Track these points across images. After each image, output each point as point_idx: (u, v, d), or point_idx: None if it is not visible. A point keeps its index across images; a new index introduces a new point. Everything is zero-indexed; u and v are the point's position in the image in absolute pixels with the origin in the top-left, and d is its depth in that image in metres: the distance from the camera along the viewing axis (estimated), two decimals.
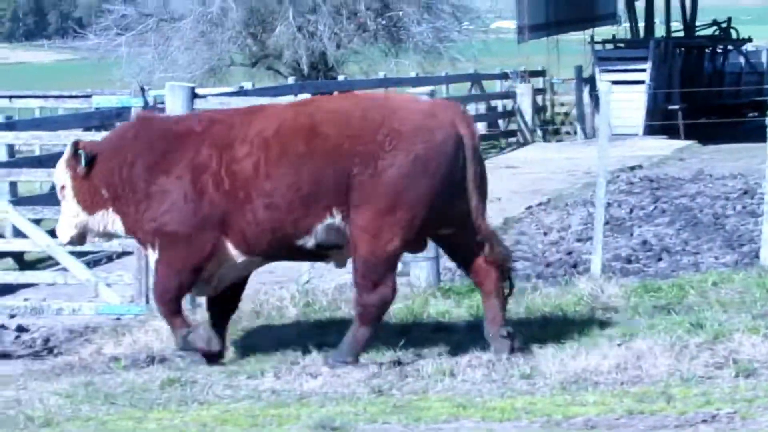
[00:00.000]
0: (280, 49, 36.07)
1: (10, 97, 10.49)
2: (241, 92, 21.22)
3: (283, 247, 8.59)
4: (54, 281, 10.84)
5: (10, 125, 14.23)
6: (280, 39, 35.63)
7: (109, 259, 14.51)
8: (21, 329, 11.04)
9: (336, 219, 8.36)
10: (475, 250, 8.57)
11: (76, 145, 8.97)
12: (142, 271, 10.31)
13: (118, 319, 10.71)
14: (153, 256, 8.82)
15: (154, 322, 9.85)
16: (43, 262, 14.34)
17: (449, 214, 8.45)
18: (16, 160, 15.07)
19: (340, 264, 8.90)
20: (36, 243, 10.41)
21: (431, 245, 9.39)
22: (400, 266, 10.72)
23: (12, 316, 11.13)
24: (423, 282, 10.48)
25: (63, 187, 8.99)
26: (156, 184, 8.64)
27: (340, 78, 30.99)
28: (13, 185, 14.79)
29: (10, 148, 15.56)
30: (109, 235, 9.17)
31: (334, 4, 35.57)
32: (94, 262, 13.63)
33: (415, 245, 8.74)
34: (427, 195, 8.27)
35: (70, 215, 9.00)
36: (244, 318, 9.65)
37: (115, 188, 8.77)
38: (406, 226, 8.30)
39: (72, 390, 7.89)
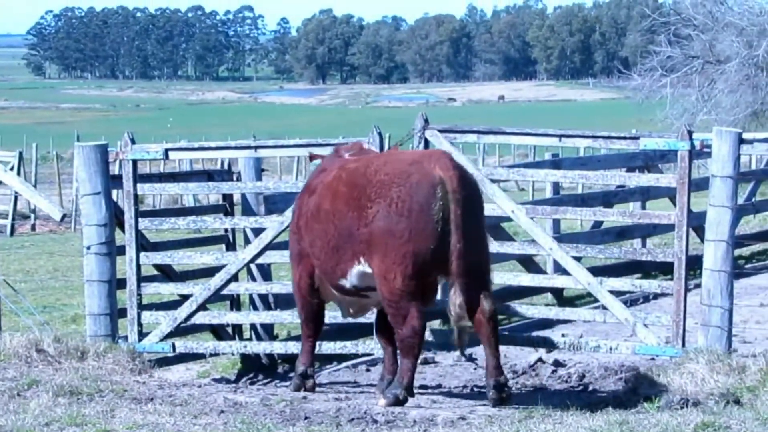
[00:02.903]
0: None
1: (560, 136, 10.72)
2: None
3: (332, 287, 9.73)
4: (592, 318, 10.98)
5: (556, 163, 14.65)
6: None
7: (645, 299, 14.58)
8: (558, 364, 11.31)
9: (363, 266, 9.28)
10: (479, 291, 9.13)
11: (310, 156, 10.74)
12: (680, 314, 10.26)
13: (652, 359, 10.74)
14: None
15: (689, 365, 9.78)
16: (581, 299, 14.62)
17: (443, 255, 8.95)
18: (561, 197, 15.43)
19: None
20: (578, 280, 10.61)
21: None
22: None
23: (549, 351, 11.42)
24: None
25: None
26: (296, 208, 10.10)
27: None
28: (556, 222, 15.18)
29: (556, 186, 15.99)
30: None
31: None
32: (631, 301, 13.74)
33: (427, 291, 9.34)
34: (410, 232, 8.95)
35: None
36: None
37: None
38: (403, 264, 8.99)
39: (606, 428, 7.97)
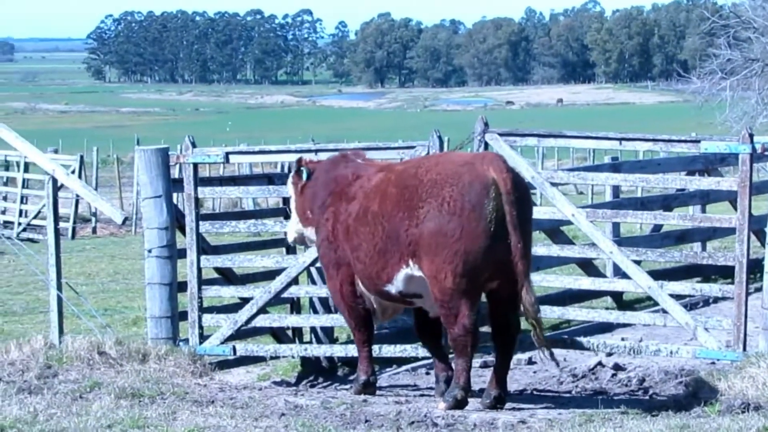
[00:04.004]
0: None
1: (621, 139, 10.68)
2: None
3: (376, 293, 9.72)
4: (652, 322, 10.92)
5: (615, 167, 14.58)
6: None
7: (706, 303, 14.48)
8: (617, 368, 11.27)
9: (411, 269, 9.25)
10: (509, 307, 9.26)
11: (299, 162, 10.36)
12: (741, 318, 10.19)
13: (713, 363, 10.68)
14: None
15: (750, 369, 9.72)
16: (641, 302, 14.55)
17: (493, 256, 8.95)
18: (620, 201, 15.36)
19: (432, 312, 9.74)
20: (638, 284, 10.56)
21: None
22: None
23: (609, 355, 11.38)
24: None
25: (290, 199, 10.58)
26: (322, 218, 9.92)
27: None
28: (615, 225, 15.11)
29: (616, 189, 15.93)
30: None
31: None
32: (691, 305, 13.65)
33: (476, 290, 9.15)
34: (461, 231, 8.91)
35: (293, 222, 10.54)
36: None
37: (312, 212, 10.16)
38: (453, 262, 8.94)
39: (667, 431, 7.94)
